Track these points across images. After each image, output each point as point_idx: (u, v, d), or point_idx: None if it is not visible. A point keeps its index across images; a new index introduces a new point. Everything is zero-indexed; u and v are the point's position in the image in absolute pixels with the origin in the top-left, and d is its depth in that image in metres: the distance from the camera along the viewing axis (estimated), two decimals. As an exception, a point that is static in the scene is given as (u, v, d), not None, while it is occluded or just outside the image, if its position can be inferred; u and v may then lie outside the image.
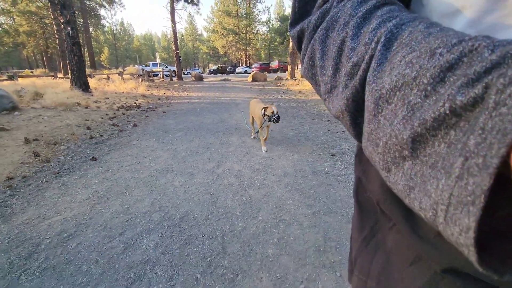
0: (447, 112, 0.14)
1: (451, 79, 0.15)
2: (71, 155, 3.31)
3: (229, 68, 35.14)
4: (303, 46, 0.31)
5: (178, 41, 19.24)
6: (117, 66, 43.81)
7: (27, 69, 24.50)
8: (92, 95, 8.37)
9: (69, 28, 8.64)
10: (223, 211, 2.04)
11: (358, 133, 0.24)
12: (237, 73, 33.27)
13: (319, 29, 0.28)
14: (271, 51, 45.38)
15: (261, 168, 2.87)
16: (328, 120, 5.13)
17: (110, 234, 1.77)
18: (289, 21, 0.34)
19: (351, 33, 0.24)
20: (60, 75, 14.15)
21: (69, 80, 9.24)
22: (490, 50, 0.14)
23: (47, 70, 24.25)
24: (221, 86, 13.67)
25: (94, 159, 3.16)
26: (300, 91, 10.45)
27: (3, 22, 30.46)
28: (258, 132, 3.62)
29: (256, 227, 1.84)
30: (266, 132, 3.61)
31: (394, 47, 0.19)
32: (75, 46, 8.91)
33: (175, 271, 1.46)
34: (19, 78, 10.92)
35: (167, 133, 4.35)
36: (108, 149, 3.55)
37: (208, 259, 1.54)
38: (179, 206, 2.11)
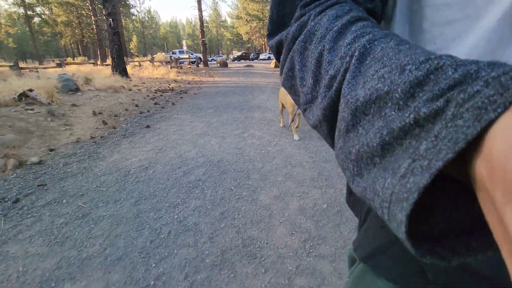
0: (412, 122, 0.15)
1: (420, 94, 0.16)
2: (129, 124, 4.28)
3: (252, 54, 35.61)
4: (282, 57, 0.32)
5: (204, 29, 20.06)
6: (145, 54, 45.76)
7: (69, 57, 26.61)
8: (131, 80, 9.47)
9: (110, 19, 9.71)
10: (247, 158, 2.85)
11: (333, 142, 0.25)
12: (260, 59, 33.67)
13: (298, 41, 0.29)
14: (295, 37, 44.81)
15: (277, 134, 3.63)
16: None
17: (172, 168, 2.64)
18: (267, 32, 0.36)
19: (327, 46, 0.25)
20: (98, 62, 15.60)
21: (107, 66, 10.43)
22: (453, 69, 0.15)
23: (86, 58, 26.17)
24: (244, 72, 14.41)
25: (148, 126, 4.10)
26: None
27: (42, 12, 32.90)
28: (290, 124, 3.51)
29: (271, 167, 2.63)
30: (297, 120, 3.51)
31: (367, 61, 0.21)
32: (115, 36, 10.00)
33: (217, 185, 2.29)
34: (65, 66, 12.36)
35: (200, 110, 5.21)
36: (156, 121, 4.48)
37: (238, 180, 2.36)
38: (216, 155, 2.95)
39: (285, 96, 3.43)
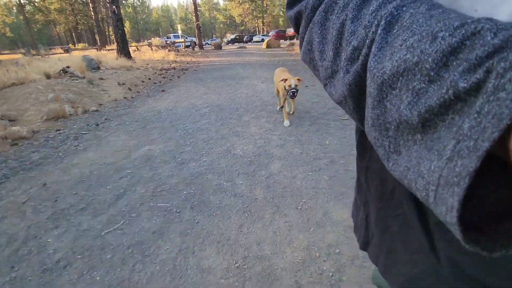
0: (452, 98, 0.14)
1: (454, 63, 0.15)
2: (148, 90, 5.66)
3: (246, 37, 36.28)
4: (301, 29, 0.31)
5: (197, 12, 20.92)
6: (138, 39, 46.08)
7: (71, 44, 27.34)
8: (135, 62, 10.70)
9: (114, 6, 10.81)
10: (237, 102, 4.27)
11: (361, 117, 0.24)
12: (254, 41, 34.42)
13: (318, 11, 0.27)
14: (289, 18, 45.21)
15: (259, 91, 5.04)
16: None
17: (188, 108, 4.06)
18: (287, 2, 0.34)
19: (350, 15, 0.23)
20: (101, 47, 16.66)
21: (110, 51, 11.60)
22: (493, 34, 0.13)
23: (86, 44, 26.93)
24: (237, 53, 15.59)
25: (163, 91, 5.49)
26: (305, 54, 12.21)
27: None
28: (279, 109, 3.46)
29: (252, 106, 4.05)
30: (292, 106, 3.44)
31: (395, 30, 0.19)
32: (119, 22, 11.12)
33: (218, 114, 3.72)
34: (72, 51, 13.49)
35: (201, 80, 6.58)
36: (168, 87, 5.85)
37: (230, 112, 3.80)
38: (216, 102, 4.36)
39: (278, 79, 3.25)
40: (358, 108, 0.24)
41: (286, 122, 3.19)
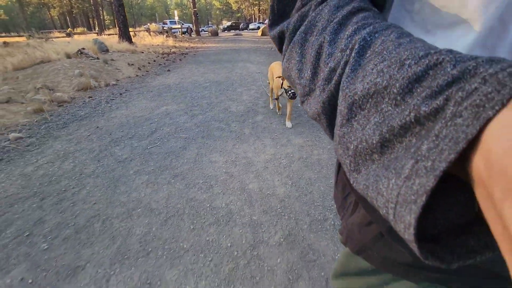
0: (412, 120, 0.15)
1: (418, 90, 0.16)
2: (156, 69, 6.53)
3: (242, 24, 36.61)
4: (284, 47, 0.32)
5: (194, -1, 21.37)
6: (133, 25, 45.86)
7: (69, 28, 27.48)
8: (137, 46, 11.43)
9: (116, -8, 11.42)
10: (233, 80, 5.19)
11: (333, 134, 0.25)
12: (250, 29, 34.81)
13: (298, 32, 0.29)
14: (285, 5, 45.41)
15: (253, 71, 5.95)
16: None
17: (192, 83, 4.98)
18: (269, 23, 0.36)
19: (328, 38, 0.25)
20: (102, 32, 17.18)
21: (110, 36, 12.24)
22: (452, 65, 0.15)
23: (85, 29, 27.14)
24: (233, 39, 16.32)
25: (169, 70, 6.36)
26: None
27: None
28: (274, 100, 3.26)
29: (245, 82, 4.98)
30: (288, 107, 2.95)
31: (367, 55, 0.21)
32: (120, 7, 11.76)
33: (217, 87, 4.65)
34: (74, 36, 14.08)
35: (201, 63, 7.45)
36: (172, 68, 6.72)
37: (227, 86, 4.72)
38: (215, 80, 5.28)
39: (273, 76, 2.96)
40: (330, 125, 0.25)
41: (288, 124, 2.94)
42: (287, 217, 1.62)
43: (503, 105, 0.11)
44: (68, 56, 6.19)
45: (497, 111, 0.11)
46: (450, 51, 0.16)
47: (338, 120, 0.22)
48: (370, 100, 0.19)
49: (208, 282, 1.21)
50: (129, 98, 4.19)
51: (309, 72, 0.27)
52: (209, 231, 1.51)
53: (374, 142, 0.17)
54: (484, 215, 0.12)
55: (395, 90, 0.17)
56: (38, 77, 4.96)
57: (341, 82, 0.22)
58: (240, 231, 1.51)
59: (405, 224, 0.14)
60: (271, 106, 3.51)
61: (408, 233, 0.14)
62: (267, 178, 2.02)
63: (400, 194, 0.14)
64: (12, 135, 2.78)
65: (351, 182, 0.20)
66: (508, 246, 0.10)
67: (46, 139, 2.76)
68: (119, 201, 1.77)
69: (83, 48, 6.70)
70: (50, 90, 4.41)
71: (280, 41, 0.34)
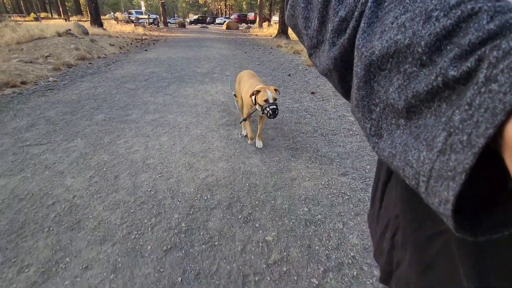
0: (440, 85, 0.14)
1: (448, 47, 0.14)
2: (134, 49, 8.02)
3: (208, 18, 37.80)
4: None
5: (162, -9, 22.37)
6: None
7: (32, 13, 26.56)
8: (110, 33, 12.54)
9: (89, -19, 12.41)
10: (198, 57, 6.93)
11: (346, 91, 0.23)
12: (216, 23, 36.16)
13: None
14: (253, 2, 47.47)
15: (215, 53, 7.73)
16: (255, 44, 9.93)
17: (168, 58, 6.64)
18: None
19: None
20: (67, 18, 17.63)
21: (80, 22, 13.19)
22: (489, 17, 0.13)
23: (49, 14, 26.53)
24: (200, 31, 17.86)
25: (146, 50, 7.91)
26: (256, 35, 15.04)
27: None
28: (241, 122, 2.52)
29: (208, 58, 6.76)
30: (259, 123, 2.33)
31: (386, 3, 0.19)
32: (93, -5, 12.75)
33: (187, 61, 6.38)
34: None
35: (172, 47, 9.04)
36: (149, 48, 8.26)
37: (195, 60, 6.48)
38: (185, 56, 6.98)
39: (243, 87, 2.28)
40: (343, 82, 0.23)
41: (258, 143, 2.34)
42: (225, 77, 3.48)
43: None
44: (59, 35, 7.46)
45: None
46: (490, 0, 0.14)
47: (355, 82, 0.20)
48: (390, 60, 0.17)
49: (191, 116, 3.03)
50: (121, 64, 5.76)
51: (316, 21, 0.24)
52: (187, 109, 3.32)
53: (400, 107, 0.16)
54: None
55: (420, 50, 0.15)
56: (40, 49, 6.28)
57: (356, 38, 0.19)
58: (202, 104, 3.34)
59: (441, 199, 0.13)
60: (243, 133, 2.55)
61: (444, 208, 0.13)
62: (216, 95, 3.86)
63: (434, 169, 0.14)
64: (51, 79, 4.31)
65: (373, 147, 0.19)
66: None
67: (74, 82, 4.33)
68: (137, 101, 3.50)
69: (70, 30, 7.96)
70: (56, 58, 5.81)
71: None
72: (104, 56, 6.62)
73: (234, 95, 2.71)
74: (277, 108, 1.97)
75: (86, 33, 9.15)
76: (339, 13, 0.21)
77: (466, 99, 0.13)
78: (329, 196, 1.76)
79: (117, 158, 2.13)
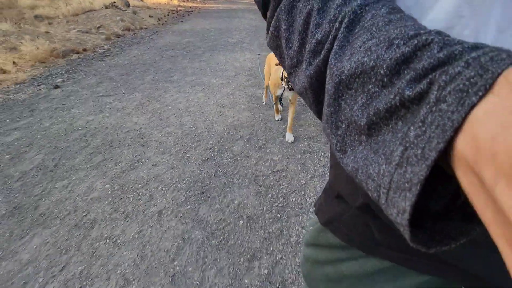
0: (397, 104, 0.15)
1: (405, 71, 0.16)
2: (171, 20, 8.64)
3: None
4: (268, 13, 0.31)
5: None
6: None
7: None
8: (147, 4, 13.21)
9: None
10: (230, 28, 7.39)
11: (319, 110, 0.25)
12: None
13: None
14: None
15: (245, 23, 8.11)
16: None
17: (202, 29, 7.18)
18: None
19: (317, 6, 0.24)
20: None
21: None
22: (439, 47, 0.15)
23: None
24: (232, 1, 17.96)
25: (181, 21, 8.49)
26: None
27: None
28: (273, 105, 2.47)
29: (239, 29, 7.19)
30: (290, 112, 2.17)
31: (356, 30, 0.20)
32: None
33: (222, 31, 6.88)
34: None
35: (205, 18, 9.52)
36: (184, 20, 8.83)
37: (227, 31, 6.95)
38: (218, 27, 7.47)
39: (271, 69, 2.21)
40: (317, 101, 0.25)
41: (289, 137, 2.22)
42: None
43: (486, 90, 0.11)
44: (106, 7, 8.25)
45: (481, 97, 0.11)
46: (439, 33, 0.16)
47: (326, 99, 0.21)
48: (357, 80, 0.18)
49: (222, 78, 3.63)
50: (161, 35, 6.43)
51: (296, 42, 0.26)
52: (219, 73, 3.91)
53: (362, 124, 0.18)
54: (472, 201, 0.12)
55: (382, 72, 0.17)
56: (92, 20, 7.11)
57: (329, 59, 0.21)
58: (231, 69, 3.91)
59: (399, 209, 0.14)
60: (277, 118, 2.53)
61: (402, 218, 0.14)
62: (244, 62, 4.39)
63: (392, 181, 0.15)
64: (106, 47, 5.09)
65: (340, 162, 0.20)
66: (500, 230, 0.10)
67: (124, 50, 5.07)
68: (178, 66, 4.14)
69: (114, 1, 8.72)
70: (106, 29, 6.61)
71: (264, 6, 0.32)
72: (146, 27, 7.32)
73: (266, 87, 2.68)
74: None
75: (127, 4, 9.88)
76: (316, 35, 0.23)
77: (420, 117, 0.14)
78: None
79: (166, 106, 2.81)
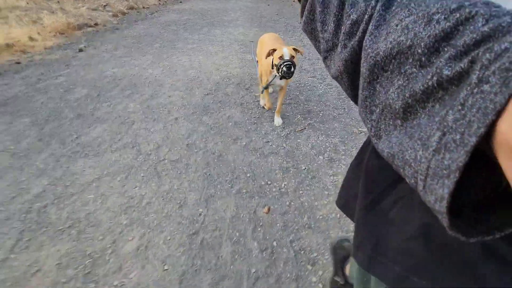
0: (435, 85, 0.15)
1: (445, 49, 0.15)
2: (171, 1, 9.25)
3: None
4: None
5: None
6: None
7: None
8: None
9: None
10: (227, 8, 8.04)
11: (355, 95, 0.24)
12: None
13: None
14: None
15: (241, 4, 8.75)
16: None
17: (200, 9, 7.84)
18: None
19: None
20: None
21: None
22: (484, 20, 0.14)
23: None
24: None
25: (181, 2, 9.10)
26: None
27: None
28: (263, 90, 2.26)
29: (234, 10, 7.85)
30: (279, 96, 2.23)
31: (393, 7, 0.19)
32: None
33: (219, 12, 7.54)
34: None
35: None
36: (182, 0, 9.43)
37: (224, 10, 7.62)
38: (215, 8, 8.11)
39: (263, 52, 2.04)
40: (352, 85, 0.24)
41: (277, 120, 2.24)
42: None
43: None
44: (109, -12, 8.82)
45: None
46: (487, 4, 0.15)
47: (361, 82, 0.21)
48: (393, 61, 0.18)
49: (218, 47, 4.37)
50: (163, 13, 7.08)
51: (332, 25, 0.25)
52: (216, 43, 4.64)
53: (397, 107, 0.17)
54: None
55: (419, 50, 0.16)
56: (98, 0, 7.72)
57: (364, 40, 0.20)
58: (226, 40, 4.64)
59: (437, 196, 0.14)
60: (262, 103, 2.56)
61: (440, 205, 0.14)
62: (238, 36, 5.10)
63: (430, 168, 0.14)
64: (114, 22, 5.77)
65: (376, 147, 0.20)
66: None
67: (131, 25, 5.75)
68: (180, 37, 4.86)
69: (116, -17, 9.27)
70: (112, 7, 7.23)
71: None
72: (148, 6, 7.95)
73: (257, 62, 2.51)
74: (292, 65, 1.81)
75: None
76: (351, 16, 0.22)
77: (459, 99, 0.13)
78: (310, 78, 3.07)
79: (173, 64, 3.57)
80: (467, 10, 0.15)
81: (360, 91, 0.21)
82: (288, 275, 1.20)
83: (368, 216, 0.37)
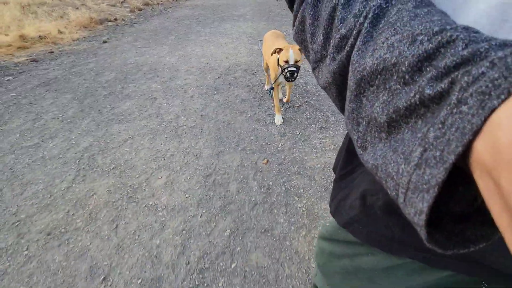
0: (417, 102, 0.15)
1: (427, 69, 0.16)
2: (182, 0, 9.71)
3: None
4: (295, 6, 0.32)
5: None
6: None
7: None
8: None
9: None
10: (238, 3, 8.43)
11: (343, 106, 0.25)
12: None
13: None
14: None
15: (252, 0, 9.11)
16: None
17: (212, 4, 8.25)
18: None
19: (342, 0, 0.24)
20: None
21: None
22: (464, 44, 0.14)
23: None
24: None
25: (192, -2, 9.53)
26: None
27: None
28: (272, 88, 2.24)
29: (244, 3, 8.23)
30: (286, 91, 2.48)
31: (380, 25, 0.20)
32: None
33: (227, 6, 7.94)
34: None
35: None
36: (194, -2, 9.87)
37: (233, 5, 8.01)
38: (225, 3, 8.51)
39: (269, 50, 2.13)
40: (340, 96, 0.25)
41: (278, 118, 2.28)
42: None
43: (510, 94, 0.11)
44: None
45: (503, 100, 0.11)
46: (466, 29, 0.16)
47: (348, 95, 0.22)
48: (378, 76, 0.18)
49: (228, 39, 4.77)
50: (176, 9, 7.53)
51: (321, 37, 0.26)
52: (226, 35, 5.04)
53: (382, 121, 0.18)
54: (488, 205, 0.12)
55: (403, 68, 0.17)
56: (115, -4, 8.22)
57: (352, 55, 0.21)
58: (236, 33, 5.03)
59: (416, 210, 0.15)
60: (266, 88, 2.75)
61: (419, 219, 0.15)
62: (247, 29, 5.48)
63: (411, 181, 0.15)
64: (132, 17, 6.23)
65: (361, 158, 0.21)
66: None
67: (148, 19, 6.21)
68: (193, 30, 5.29)
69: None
70: (129, 3, 7.72)
71: (291, 0, 0.33)
72: (162, 2, 8.41)
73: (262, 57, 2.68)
74: (296, 71, 1.86)
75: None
76: (341, 30, 0.23)
77: (440, 118, 0.14)
78: (297, 68, 3.44)
79: (188, 53, 3.98)
80: (448, 34, 0.15)
81: (347, 103, 0.22)
82: (280, 202, 1.59)
83: (342, 182, 0.46)
